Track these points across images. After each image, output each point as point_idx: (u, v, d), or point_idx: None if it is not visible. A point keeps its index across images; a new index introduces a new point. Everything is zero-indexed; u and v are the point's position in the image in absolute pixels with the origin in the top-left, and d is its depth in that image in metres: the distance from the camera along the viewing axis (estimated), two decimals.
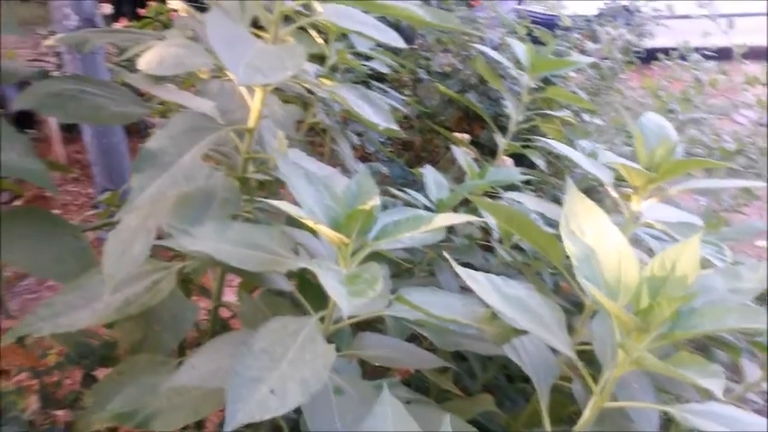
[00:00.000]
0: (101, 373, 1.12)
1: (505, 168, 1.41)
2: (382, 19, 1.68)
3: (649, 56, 2.57)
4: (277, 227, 0.74)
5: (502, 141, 1.60)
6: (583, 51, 2.64)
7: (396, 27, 2.68)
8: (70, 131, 3.35)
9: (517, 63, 1.58)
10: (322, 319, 0.73)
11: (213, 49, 0.62)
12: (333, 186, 0.73)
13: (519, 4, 4.86)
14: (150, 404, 0.78)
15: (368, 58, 1.82)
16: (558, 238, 0.70)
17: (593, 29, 2.83)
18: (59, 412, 0.94)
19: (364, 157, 2.24)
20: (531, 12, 4.50)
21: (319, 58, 1.68)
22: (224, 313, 1.11)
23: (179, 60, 0.78)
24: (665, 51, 2.30)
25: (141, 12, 3.17)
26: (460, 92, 2.23)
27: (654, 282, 0.61)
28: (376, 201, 0.69)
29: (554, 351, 0.75)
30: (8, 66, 1.10)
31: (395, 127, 0.89)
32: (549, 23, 3.05)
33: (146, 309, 0.87)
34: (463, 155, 1.29)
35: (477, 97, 2.23)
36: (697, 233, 0.78)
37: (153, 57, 0.78)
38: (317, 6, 0.87)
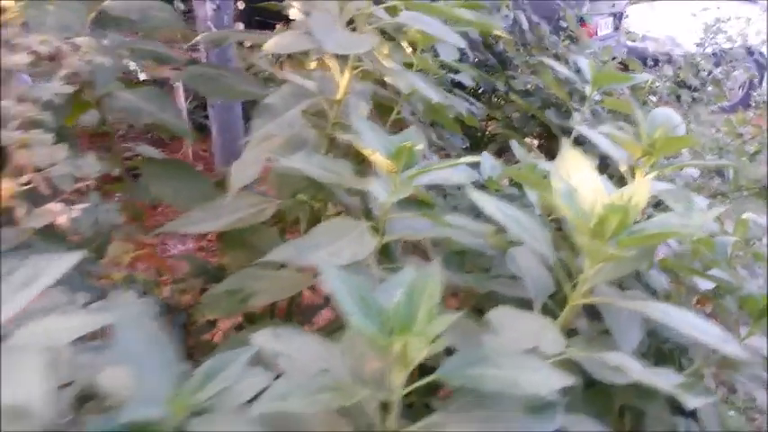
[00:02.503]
0: None
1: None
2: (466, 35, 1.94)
3: None
4: (346, 162, 1.02)
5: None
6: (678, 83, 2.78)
7: (493, 52, 2.95)
8: (201, 132, 3.87)
9: (582, 78, 1.79)
10: (376, 230, 1.00)
11: (313, 33, 0.92)
12: (391, 137, 1.00)
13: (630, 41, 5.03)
14: (251, 286, 1.08)
15: (457, 72, 2.10)
16: None
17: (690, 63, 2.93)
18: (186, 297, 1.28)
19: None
20: (631, 46, 4.63)
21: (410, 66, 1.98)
22: None
23: (291, 44, 1.09)
24: None
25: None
26: (541, 108, 2.44)
27: (612, 207, 0.82)
28: (420, 146, 0.95)
29: (550, 270, 0.97)
30: (166, 53, 1.46)
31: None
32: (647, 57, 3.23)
33: (249, 226, 1.18)
34: (518, 146, 1.52)
35: (556, 113, 2.44)
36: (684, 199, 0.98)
37: (273, 41, 1.10)
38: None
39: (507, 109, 2.80)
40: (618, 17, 6.24)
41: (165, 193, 1.38)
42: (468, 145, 2.55)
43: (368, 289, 0.70)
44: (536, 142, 1.95)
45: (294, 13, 1.59)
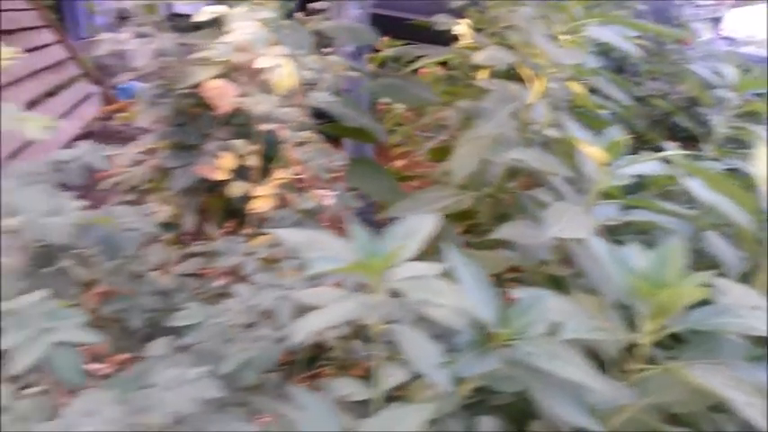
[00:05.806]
0: None
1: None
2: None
3: None
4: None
5: (708, 148, 1.92)
6: None
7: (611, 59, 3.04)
8: None
9: (725, 83, 1.89)
10: None
11: (540, 45, 1.10)
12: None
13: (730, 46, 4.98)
14: None
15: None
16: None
17: None
18: None
19: None
20: (743, 52, 4.62)
21: None
22: None
23: (502, 57, 1.28)
24: None
25: None
26: (671, 113, 2.54)
27: None
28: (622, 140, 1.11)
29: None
30: (358, 65, 1.68)
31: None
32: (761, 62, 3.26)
33: None
34: (673, 145, 1.65)
35: (684, 118, 2.53)
36: None
37: (484, 55, 1.29)
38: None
39: (630, 113, 2.90)
40: (717, 21, 6.14)
41: (368, 189, 1.61)
42: None
43: (620, 253, 0.87)
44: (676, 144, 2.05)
45: (460, 29, 1.79)
